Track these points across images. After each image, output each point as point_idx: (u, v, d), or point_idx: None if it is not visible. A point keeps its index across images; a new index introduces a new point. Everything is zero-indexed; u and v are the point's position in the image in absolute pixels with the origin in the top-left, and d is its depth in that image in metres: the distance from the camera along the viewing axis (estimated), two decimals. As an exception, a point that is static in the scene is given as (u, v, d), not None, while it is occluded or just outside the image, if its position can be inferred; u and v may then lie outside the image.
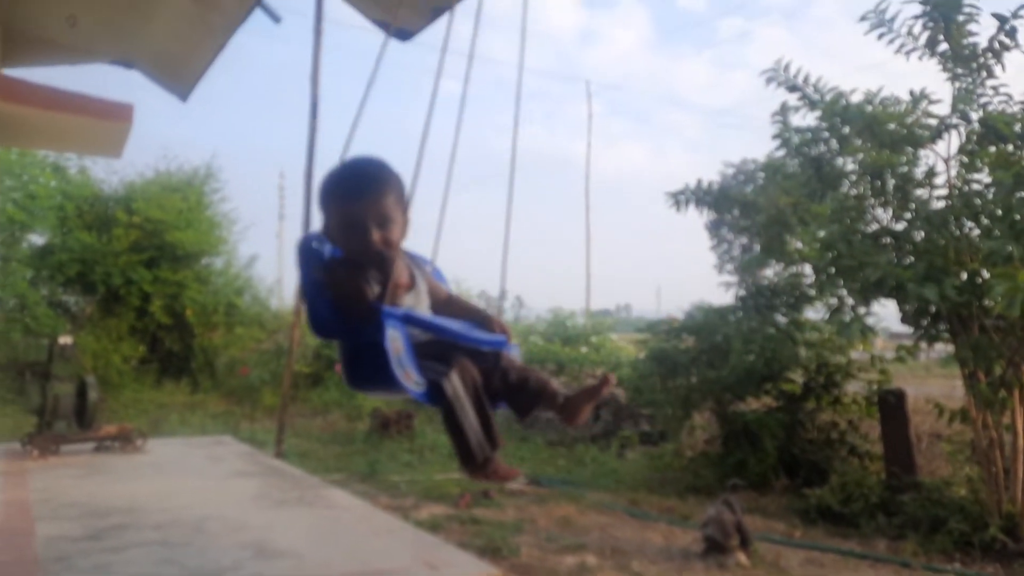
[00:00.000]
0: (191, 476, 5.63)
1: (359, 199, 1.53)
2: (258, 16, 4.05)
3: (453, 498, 6.31)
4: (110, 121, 3.89)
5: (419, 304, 1.64)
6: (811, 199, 5.77)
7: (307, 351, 12.06)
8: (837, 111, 5.48)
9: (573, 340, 12.20)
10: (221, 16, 3.83)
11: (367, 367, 1.50)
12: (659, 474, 7.59)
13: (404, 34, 3.25)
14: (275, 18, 4.21)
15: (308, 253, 1.56)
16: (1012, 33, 4.96)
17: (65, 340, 6.51)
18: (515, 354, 1.76)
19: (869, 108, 5.43)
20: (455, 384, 1.50)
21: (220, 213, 13.84)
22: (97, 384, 6.68)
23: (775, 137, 6.07)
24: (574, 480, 7.51)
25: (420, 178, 1.63)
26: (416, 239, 1.66)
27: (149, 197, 12.71)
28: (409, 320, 1.51)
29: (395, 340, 1.44)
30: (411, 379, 1.46)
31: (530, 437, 9.65)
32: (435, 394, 1.51)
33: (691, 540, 5.17)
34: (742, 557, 4.74)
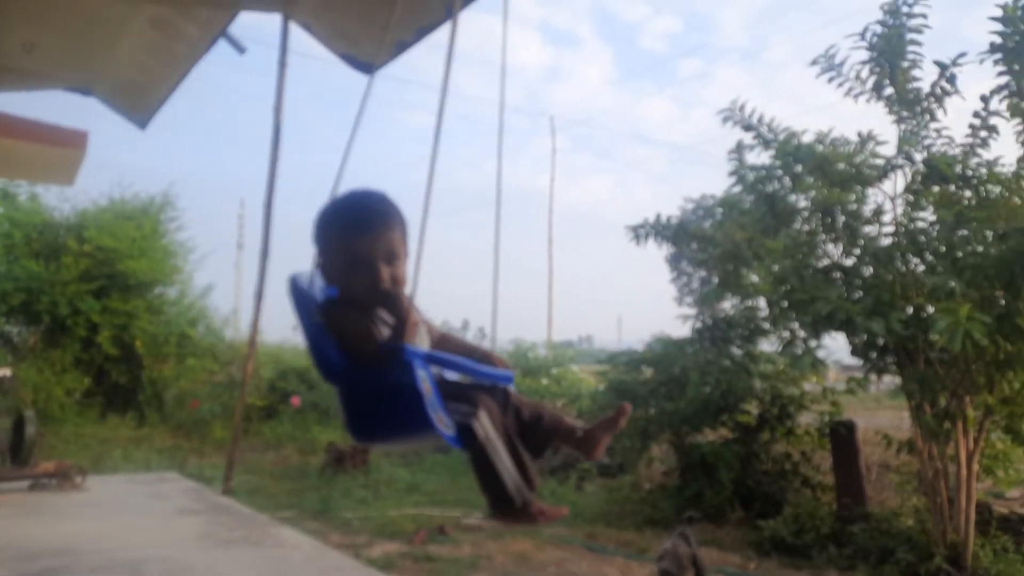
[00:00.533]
0: (132, 515, 5.38)
1: (364, 234, 1.42)
2: (222, 46, 4.02)
3: (408, 535, 6.17)
4: (63, 148, 3.78)
5: (421, 343, 1.54)
6: (765, 234, 5.93)
7: (261, 383, 11.76)
8: (790, 150, 5.68)
9: (534, 371, 12.18)
10: (185, 45, 3.78)
11: (385, 413, 1.39)
12: (617, 507, 7.56)
13: (368, 68, 3.25)
14: (240, 49, 4.18)
15: (301, 296, 1.44)
16: (952, 80, 5.23)
17: (3, 372, 6.25)
18: (512, 389, 1.68)
19: (820, 148, 5.64)
20: (485, 425, 1.39)
21: (176, 242, 13.53)
22: (36, 418, 6.40)
23: (731, 174, 6.26)
24: (533, 514, 7.41)
25: (427, 213, 1.51)
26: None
27: (102, 225, 12.35)
28: (433, 359, 1.41)
29: (425, 381, 1.34)
30: (442, 422, 1.35)
31: (489, 470, 9.53)
32: (464, 437, 1.40)
33: (647, 574, 5.14)
34: (699, 591, 4.72)
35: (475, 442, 1.39)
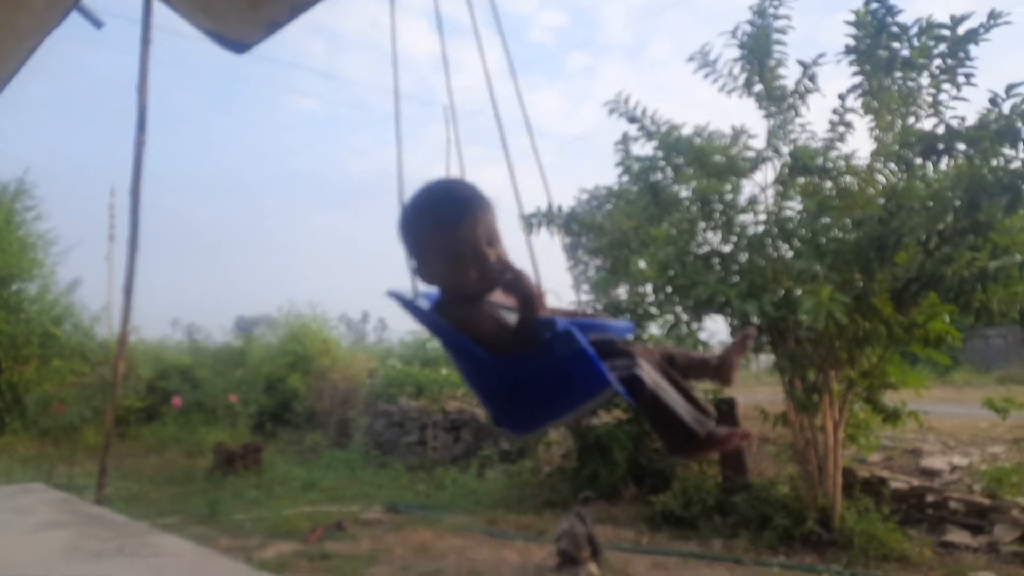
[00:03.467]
0: (-11, 532, 4.89)
1: (461, 222, 1.34)
2: (77, 20, 3.68)
3: (303, 533, 5.99)
4: None
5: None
6: (651, 223, 6.15)
7: (139, 383, 11.04)
8: (671, 142, 5.91)
9: (432, 362, 12.12)
10: (29, 17, 3.43)
11: (552, 392, 1.33)
12: (517, 491, 7.68)
13: (238, 46, 3.08)
14: (96, 23, 3.85)
15: (418, 313, 1.36)
16: (813, 78, 5.62)
17: None
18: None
19: (698, 140, 5.90)
20: (650, 373, 1.37)
21: (34, 233, 12.39)
22: None
23: (618, 164, 6.43)
24: (433, 504, 7.40)
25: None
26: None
27: (-56, 215, 11.12)
28: (577, 325, 1.34)
29: (588, 345, 1.28)
30: (614, 379, 1.31)
31: (389, 463, 9.41)
32: (632, 389, 1.35)
33: (546, 555, 5.26)
34: (593, 568, 4.88)
35: (646, 391, 1.36)
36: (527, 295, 1.30)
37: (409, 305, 1.39)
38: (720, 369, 1.59)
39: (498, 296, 1.39)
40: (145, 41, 3.59)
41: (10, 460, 9.34)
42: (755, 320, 5.26)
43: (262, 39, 2.92)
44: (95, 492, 6.14)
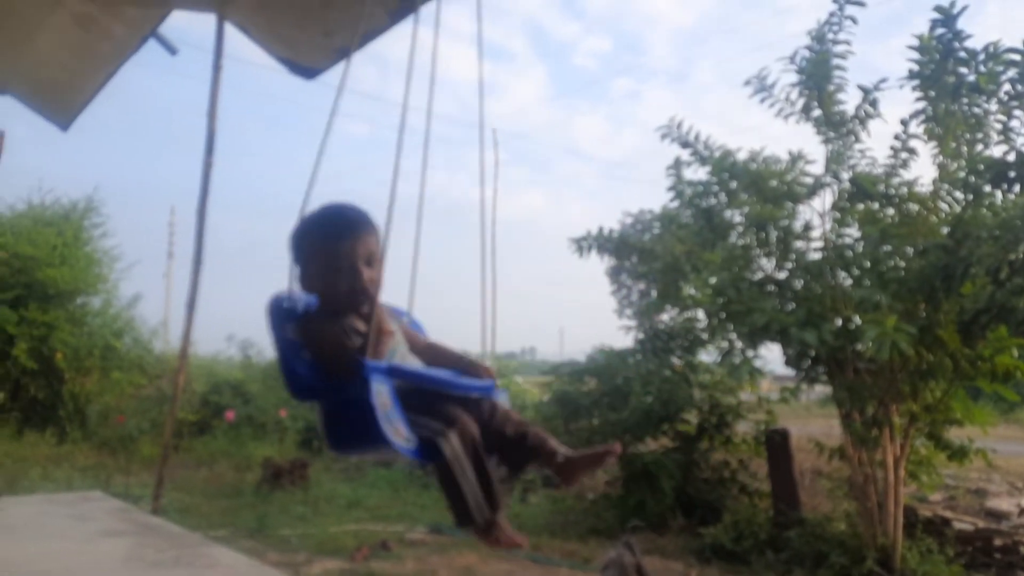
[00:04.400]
0: (50, 538, 5.04)
1: (345, 237, 1.47)
2: (153, 47, 3.87)
3: (349, 551, 6.02)
4: (-26, 148, 3.55)
5: (398, 349, 1.55)
6: (703, 248, 6.08)
7: (193, 397, 11.31)
8: (725, 167, 5.85)
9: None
10: (111, 44, 3.62)
11: (353, 426, 1.38)
12: (561, 517, 7.58)
13: (309, 72, 3.18)
14: (171, 50, 4.03)
15: (279, 312, 1.44)
16: (874, 103, 5.51)
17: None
18: (503, 398, 1.66)
19: (753, 166, 5.83)
20: (454, 445, 1.40)
21: (100, 249, 12.90)
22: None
23: (670, 189, 6.40)
24: (476, 527, 7.36)
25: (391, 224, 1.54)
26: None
27: (19, 231, 11.68)
28: (394, 372, 1.41)
29: (381, 395, 1.34)
30: (401, 435, 1.36)
31: (432, 484, 9.40)
32: (428, 451, 1.41)
33: (593, 585, 5.16)
34: (642, 600, 4.76)
35: (442, 460, 1.40)
36: (366, 325, 1.39)
37: (273, 308, 1.44)
38: (563, 468, 1.54)
39: (360, 322, 1.45)
40: (216, 68, 3.74)
41: (71, 469, 9.65)
42: (813, 350, 5.12)
43: (331, 66, 3.01)
44: (152, 502, 6.30)
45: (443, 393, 1.49)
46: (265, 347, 15.31)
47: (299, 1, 2.55)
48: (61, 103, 4.12)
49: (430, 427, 1.40)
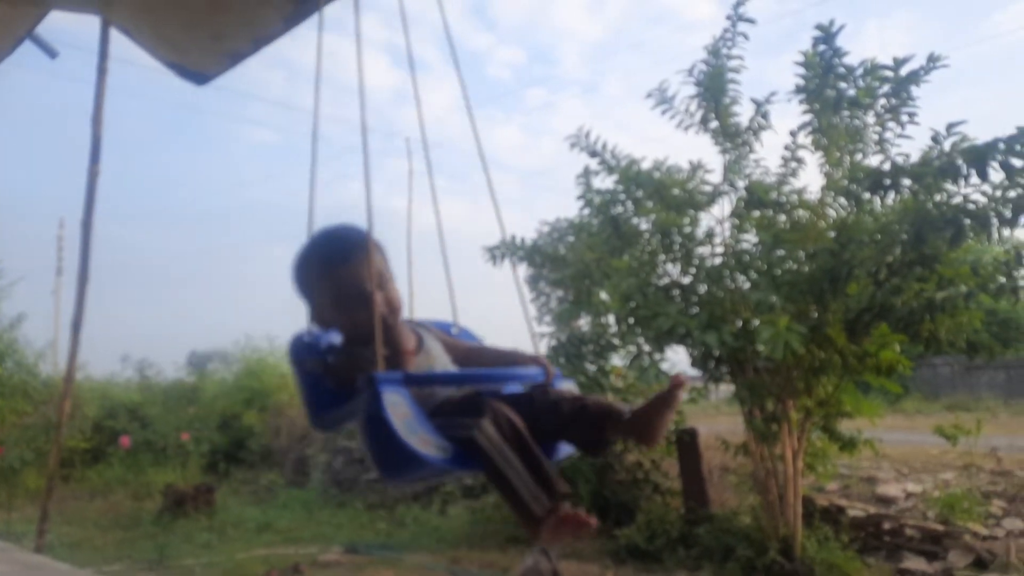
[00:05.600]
0: (-83, 586, 4.57)
1: (348, 263, 1.38)
2: (30, 49, 3.60)
3: (258, 577, 5.77)
4: None
5: (434, 365, 1.46)
6: (612, 255, 6.23)
7: (85, 423, 10.57)
8: (631, 176, 6.03)
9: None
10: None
11: (383, 446, 1.26)
12: (481, 527, 7.54)
13: (200, 77, 3.05)
14: (51, 53, 3.77)
15: (299, 349, 1.37)
16: (766, 115, 5.82)
17: None
18: (569, 386, 1.52)
19: (657, 174, 6.04)
20: (489, 433, 1.25)
21: (-26, 266, 11.87)
22: None
23: (579, 197, 6.53)
24: (394, 543, 7.22)
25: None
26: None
27: None
28: (410, 380, 1.29)
29: (396, 405, 1.23)
30: (429, 444, 1.23)
31: (348, 502, 9.17)
32: (469, 455, 1.26)
33: (511, 594, 5.15)
34: (559, 605, 4.79)
35: (481, 453, 1.25)
36: (392, 348, 1.32)
37: (299, 347, 1.38)
38: (635, 424, 1.32)
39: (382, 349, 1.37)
40: (101, 71, 3.52)
41: (-59, 507, 8.80)
42: (716, 351, 5.33)
43: (224, 71, 2.90)
44: (35, 539, 5.81)
45: (479, 394, 1.38)
46: (164, 367, 14.52)
47: (186, 4, 2.44)
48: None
49: (461, 424, 1.28)
